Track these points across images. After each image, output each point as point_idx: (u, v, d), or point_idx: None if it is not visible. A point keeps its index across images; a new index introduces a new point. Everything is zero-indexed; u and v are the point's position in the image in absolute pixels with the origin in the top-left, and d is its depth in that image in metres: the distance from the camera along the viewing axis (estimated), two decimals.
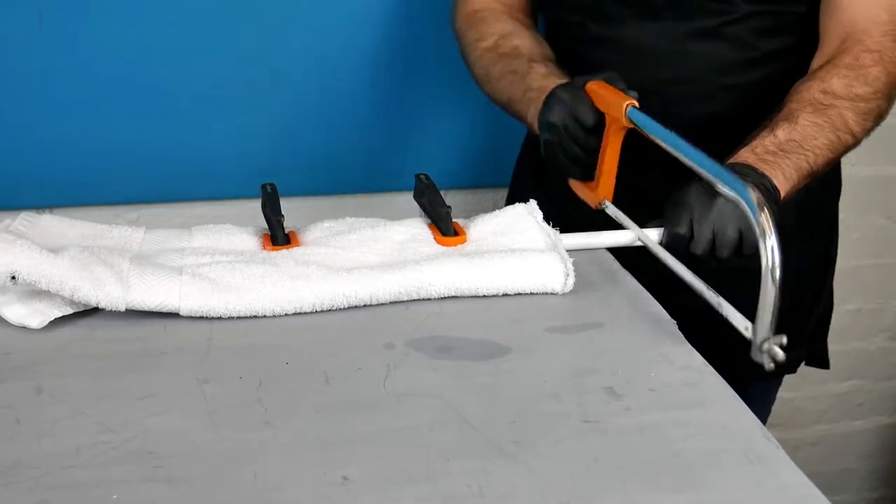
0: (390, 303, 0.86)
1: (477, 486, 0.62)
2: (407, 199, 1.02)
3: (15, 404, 0.70)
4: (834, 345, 1.85)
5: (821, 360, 1.30)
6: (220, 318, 0.82)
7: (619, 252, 0.97)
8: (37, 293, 0.81)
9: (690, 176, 0.88)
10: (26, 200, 1.22)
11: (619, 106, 0.92)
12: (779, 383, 1.32)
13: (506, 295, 0.88)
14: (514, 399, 0.73)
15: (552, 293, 0.88)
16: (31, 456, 0.64)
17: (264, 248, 0.91)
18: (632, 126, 0.91)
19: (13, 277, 0.79)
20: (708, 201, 0.87)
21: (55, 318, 0.80)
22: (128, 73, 1.30)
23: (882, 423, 2.04)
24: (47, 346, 0.78)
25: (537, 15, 1.21)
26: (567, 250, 0.91)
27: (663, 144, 0.87)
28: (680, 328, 0.84)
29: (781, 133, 0.96)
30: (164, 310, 0.81)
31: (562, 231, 0.95)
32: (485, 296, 0.87)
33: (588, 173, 0.99)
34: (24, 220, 0.89)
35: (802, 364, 1.29)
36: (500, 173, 1.38)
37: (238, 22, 1.31)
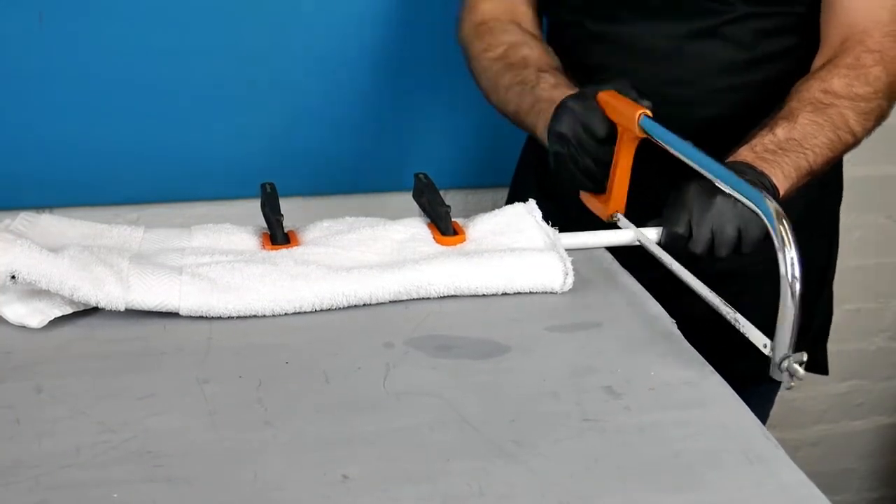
0: (390, 302, 0.86)
1: (477, 486, 0.62)
2: (407, 199, 1.02)
3: (15, 404, 0.70)
4: (834, 345, 1.85)
5: (820, 367, 1.30)
6: (219, 318, 0.82)
7: (619, 252, 0.97)
8: (37, 292, 0.81)
9: (688, 176, 0.88)
10: (26, 200, 1.22)
11: (631, 116, 0.90)
12: (778, 386, 1.32)
13: (505, 294, 0.88)
14: (513, 398, 0.73)
15: (551, 292, 0.88)
16: (31, 456, 0.64)
17: (264, 247, 0.91)
18: (645, 136, 0.90)
19: (13, 277, 0.79)
20: (706, 200, 0.87)
21: (55, 318, 0.80)
22: (128, 73, 1.30)
23: (882, 423, 2.04)
24: (47, 345, 0.78)
25: (542, 24, 1.20)
26: (566, 249, 0.91)
27: (677, 154, 0.86)
28: (679, 330, 0.84)
29: (781, 132, 0.95)
30: (164, 309, 0.81)
31: (564, 231, 0.94)
32: (484, 295, 0.87)
33: (599, 185, 0.97)
34: (24, 220, 0.89)
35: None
36: (500, 173, 1.38)
37: (238, 22, 1.32)
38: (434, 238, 0.93)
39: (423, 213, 0.98)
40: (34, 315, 0.80)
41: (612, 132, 0.94)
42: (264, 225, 0.94)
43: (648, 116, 0.89)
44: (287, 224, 0.93)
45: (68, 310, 0.81)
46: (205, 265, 0.85)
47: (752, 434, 0.69)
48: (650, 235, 0.92)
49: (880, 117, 1.02)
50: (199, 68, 1.32)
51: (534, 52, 1.11)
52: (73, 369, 0.75)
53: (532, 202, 0.98)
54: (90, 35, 1.28)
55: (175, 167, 1.38)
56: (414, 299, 0.86)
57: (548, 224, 0.95)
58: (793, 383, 0.72)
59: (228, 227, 0.94)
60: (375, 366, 0.76)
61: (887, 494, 2.12)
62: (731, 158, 0.94)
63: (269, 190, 0.96)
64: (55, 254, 0.81)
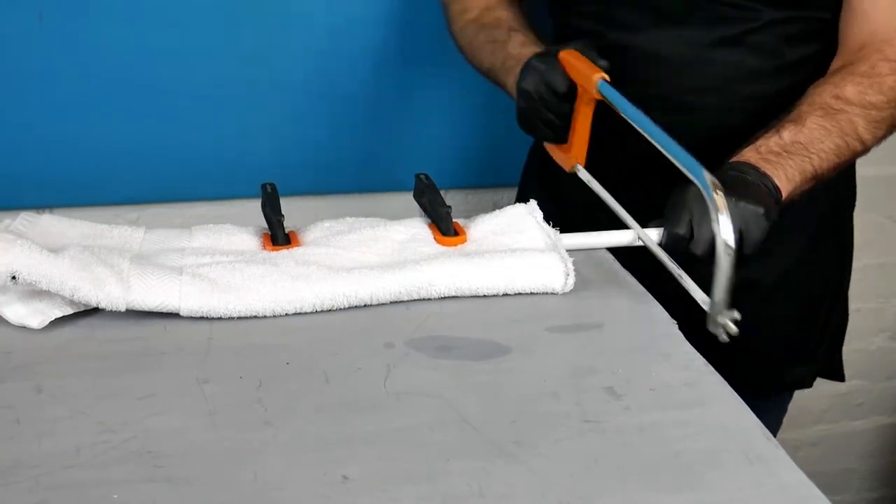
0: (390, 303, 0.86)
1: (477, 486, 0.62)
2: (407, 199, 1.02)
3: (15, 404, 0.70)
4: None
5: (836, 373, 1.30)
6: (220, 318, 0.82)
7: (619, 252, 0.97)
8: (37, 293, 0.81)
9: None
10: (26, 200, 1.22)
11: (589, 76, 0.95)
12: (790, 397, 1.31)
13: (506, 295, 0.88)
14: (514, 399, 0.73)
15: (552, 293, 0.88)
16: (31, 456, 0.64)
17: (264, 248, 0.91)
18: (600, 98, 0.94)
19: (13, 277, 0.79)
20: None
21: (55, 318, 0.80)
22: (128, 73, 1.30)
23: (882, 423, 2.04)
24: (47, 346, 0.78)
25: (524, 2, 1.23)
26: (567, 250, 0.91)
27: (628, 119, 0.90)
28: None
29: (787, 134, 0.95)
30: (165, 310, 0.81)
31: (566, 232, 0.94)
32: (485, 295, 0.87)
33: (562, 137, 1.02)
34: (24, 220, 0.89)
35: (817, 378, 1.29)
36: (500, 173, 1.38)
37: (238, 22, 1.31)
38: (435, 238, 0.93)
39: (423, 214, 0.98)
40: (34, 315, 0.80)
41: (571, 89, 0.99)
42: (265, 225, 0.94)
43: (605, 80, 0.94)
44: (287, 224, 0.93)
45: (69, 310, 0.81)
46: (205, 266, 0.85)
47: (752, 434, 0.69)
48: (651, 236, 0.92)
49: (892, 127, 1.01)
50: (199, 68, 1.32)
51: (506, 12, 1.17)
52: (74, 369, 0.75)
53: (533, 203, 0.98)
54: (90, 35, 1.27)
55: (175, 167, 1.38)
56: (415, 300, 0.86)
57: (549, 225, 0.95)
58: (725, 337, 0.78)
59: (229, 228, 0.94)
60: (376, 366, 0.76)
61: (887, 494, 2.12)
62: (734, 159, 0.94)
63: (269, 190, 0.96)
64: (55, 254, 0.81)
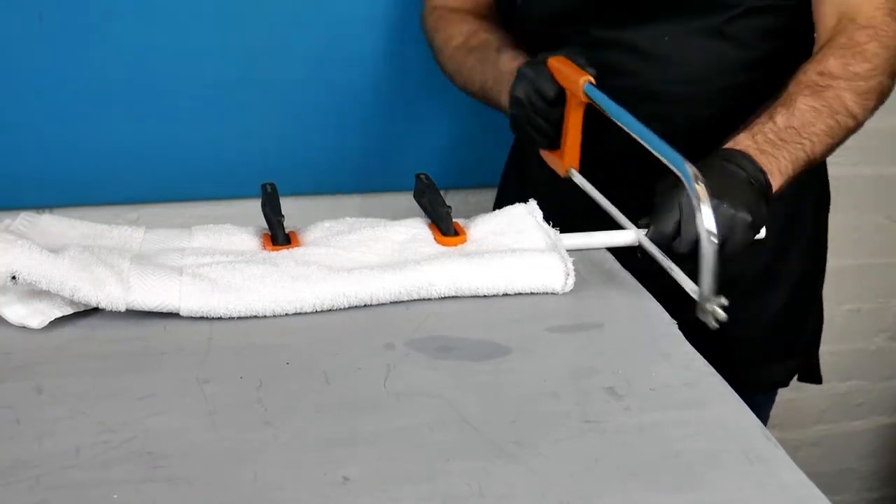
0: (390, 303, 0.86)
1: (477, 486, 0.62)
2: (407, 199, 1.02)
3: (15, 404, 0.70)
4: (834, 345, 1.86)
5: (813, 376, 1.30)
6: (220, 318, 0.82)
7: (619, 253, 0.97)
8: (37, 293, 0.81)
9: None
10: (26, 200, 1.22)
11: (576, 81, 0.97)
12: (772, 397, 1.32)
13: (506, 295, 0.88)
14: (514, 399, 0.73)
15: (552, 293, 0.88)
16: (31, 456, 0.64)
17: (264, 248, 0.91)
18: (588, 101, 0.96)
19: (13, 277, 0.79)
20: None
21: (55, 318, 0.80)
22: (128, 73, 1.30)
23: (882, 423, 2.04)
24: (47, 346, 0.78)
25: (498, 18, 1.25)
26: (567, 250, 0.91)
27: (615, 120, 0.92)
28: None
29: (780, 119, 0.95)
30: (165, 310, 0.81)
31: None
32: (485, 296, 0.87)
33: (554, 143, 1.04)
34: (24, 220, 0.89)
35: (795, 378, 1.29)
36: (501, 173, 1.37)
37: (238, 22, 1.32)
38: (435, 239, 0.93)
39: (423, 214, 0.98)
40: (34, 316, 0.80)
41: (560, 94, 1.01)
42: (265, 225, 0.94)
43: (591, 83, 0.96)
44: (287, 224, 0.93)
45: (69, 310, 0.81)
46: (205, 266, 0.85)
47: (752, 434, 0.69)
48: (644, 233, 0.92)
49: (881, 95, 1.01)
50: (198, 68, 1.32)
51: (492, 34, 1.19)
52: (74, 369, 0.75)
53: (533, 203, 0.98)
54: (90, 35, 1.28)
55: (175, 167, 1.38)
56: (415, 300, 0.86)
57: (548, 224, 0.95)
58: (715, 323, 0.78)
59: (229, 228, 0.94)
60: (376, 366, 0.76)
61: (887, 494, 2.12)
62: (730, 144, 0.94)
63: (269, 190, 0.96)
64: (55, 254, 0.81)
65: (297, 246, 0.91)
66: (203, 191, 1.41)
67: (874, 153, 1.72)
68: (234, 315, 0.82)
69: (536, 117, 1.03)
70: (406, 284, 0.85)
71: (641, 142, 0.87)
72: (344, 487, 0.62)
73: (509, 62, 1.10)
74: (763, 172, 0.91)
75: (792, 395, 1.88)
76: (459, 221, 0.96)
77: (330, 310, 0.84)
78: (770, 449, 0.68)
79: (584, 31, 1.10)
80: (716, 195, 0.86)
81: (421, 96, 1.42)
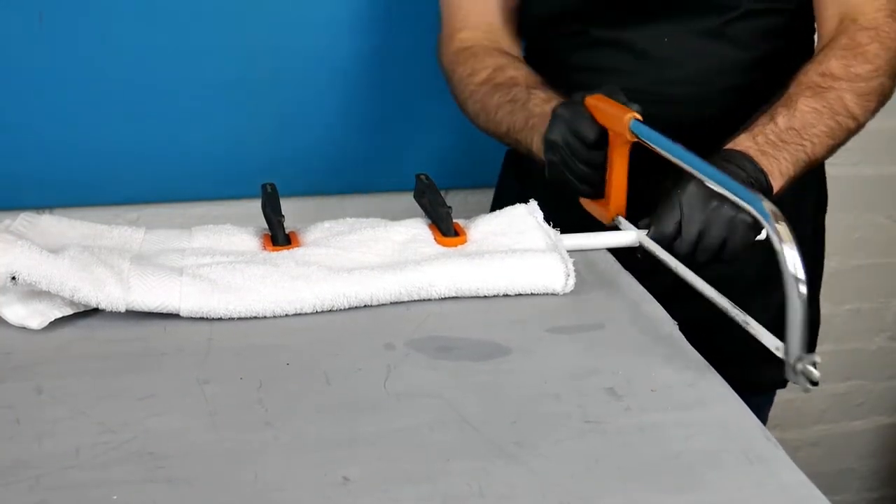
0: (391, 303, 0.86)
1: (477, 486, 0.62)
2: (407, 199, 1.02)
3: (15, 404, 0.70)
4: (834, 345, 1.86)
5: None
6: (220, 319, 0.82)
7: (619, 253, 0.97)
8: (37, 293, 0.81)
9: (679, 175, 0.88)
10: (26, 200, 1.22)
11: (621, 119, 0.90)
12: (771, 398, 1.32)
13: (506, 295, 0.88)
14: (514, 399, 0.73)
15: (553, 293, 0.88)
16: (31, 456, 0.64)
17: (264, 248, 0.91)
18: (636, 140, 0.89)
19: (13, 278, 0.79)
20: (700, 203, 0.87)
21: (55, 319, 0.80)
22: (128, 73, 1.30)
23: (882, 423, 2.04)
24: (47, 346, 0.78)
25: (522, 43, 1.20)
26: (568, 251, 0.91)
27: (670, 156, 0.85)
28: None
29: (782, 120, 0.95)
30: (165, 310, 0.81)
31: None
32: (485, 296, 0.87)
33: (596, 190, 0.97)
34: (24, 220, 0.89)
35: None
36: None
37: (238, 22, 1.32)
38: (435, 239, 0.93)
39: (424, 214, 0.98)
40: (34, 316, 0.80)
41: (601, 136, 0.93)
42: (265, 225, 0.94)
43: (638, 120, 0.89)
44: (287, 224, 0.93)
45: (68, 311, 0.81)
46: (205, 266, 0.85)
47: (752, 434, 0.69)
48: (643, 233, 0.92)
49: (882, 96, 1.01)
50: (199, 68, 1.33)
51: (520, 72, 1.10)
52: (74, 370, 0.75)
53: (533, 203, 0.98)
54: (90, 35, 1.28)
55: (175, 167, 1.38)
56: (415, 300, 0.86)
57: (549, 225, 0.95)
58: (809, 385, 0.70)
59: (229, 228, 0.94)
60: (376, 367, 0.76)
61: (887, 494, 2.12)
62: (730, 145, 0.94)
63: (269, 190, 0.96)
64: (55, 255, 0.81)
65: (298, 246, 0.91)
66: (203, 191, 1.41)
67: (874, 153, 1.72)
68: (235, 315, 0.82)
69: (576, 162, 0.95)
70: (406, 285, 0.85)
71: (702, 177, 0.82)
72: (344, 488, 0.62)
73: (542, 104, 1.03)
74: (764, 173, 0.91)
75: (792, 396, 1.87)
76: (459, 222, 0.96)
77: (330, 310, 0.84)
78: (770, 449, 0.67)
79: (583, 31, 1.10)
80: (715, 196, 0.86)
81: (421, 96, 1.42)
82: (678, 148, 0.85)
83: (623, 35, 1.08)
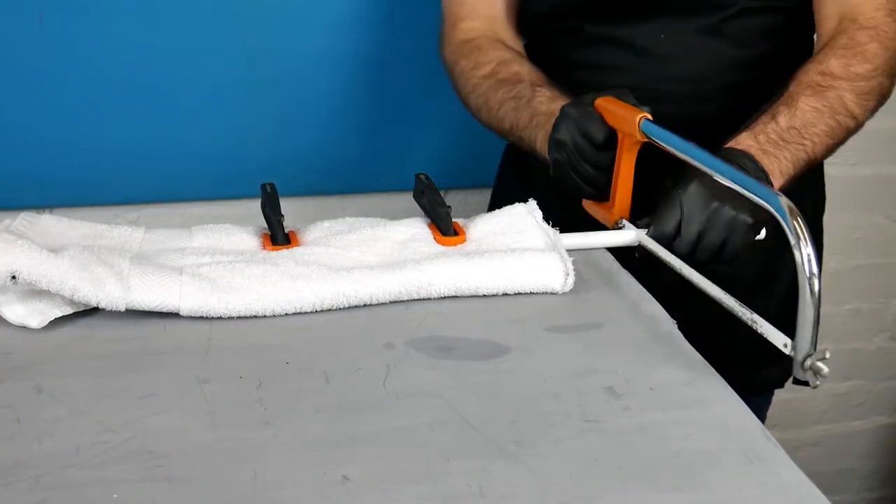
0: (390, 302, 0.86)
1: (477, 486, 0.62)
2: (407, 199, 1.02)
3: (15, 404, 0.70)
4: (834, 345, 1.85)
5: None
6: (219, 318, 0.82)
7: (619, 253, 0.97)
8: (37, 293, 0.81)
9: (677, 174, 0.89)
10: (26, 200, 1.22)
11: (631, 120, 0.89)
12: (769, 398, 1.32)
13: (506, 294, 0.88)
14: (513, 399, 0.73)
15: (552, 293, 0.88)
16: (31, 456, 0.64)
17: (264, 247, 0.91)
18: (646, 140, 0.89)
19: (13, 277, 0.79)
20: (701, 203, 0.88)
21: (55, 318, 0.80)
22: (127, 73, 1.30)
23: (882, 423, 2.04)
24: (47, 345, 0.78)
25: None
26: (567, 250, 0.91)
27: (682, 155, 0.85)
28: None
29: (783, 119, 0.95)
30: (164, 310, 0.81)
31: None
32: (485, 295, 0.87)
33: (601, 192, 0.97)
34: (24, 220, 0.89)
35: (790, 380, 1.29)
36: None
37: (238, 22, 1.32)
38: (435, 238, 0.93)
39: (423, 214, 0.98)
40: (34, 315, 0.80)
41: (610, 138, 0.93)
42: (265, 225, 0.94)
43: (649, 120, 0.89)
44: (287, 224, 0.93)
45: (68, 310, 0.81)
46: (205, 265, 0.85)
47: (752, 434, 0.69)
48: (644, 233, 0.92)
49: (881, 96, 1.01)
50: (199, 68, 1.33)
51: (524, 67, 1.10)
52: (73, 369, 0.75)
53: (532, 203, 0.98)
54: (90, 35, 1.28)
55: (175, 167, 1.38)
56: (414, 300, 0.86)
57: (548, 224, 0.95)
58: (818, 382, 0.70)
59: (229, 228, 0.94)
60: (376, 366, 0.76)
61: (887, 494, 2.12)
62: (731, 144, 0.94)
63: (269, 190, 0.96)
64: (55, 254, 0.81)
65: (297, 246, 0.91)
66: (203, 191, 1.41)
67: (873, 153, 1.72)
68: (234, 315, 0.82)
69: (583, 164, 0.94)
70: (406, 284, 0.85)
71: (715, 175, 0.81)
72: (344, 487, 0.62)
73: (547, 102, 1.03)
74: (765, 172, 0.91)
75: (791, 396, 1.88)
76: (459, 221, 0.96)
77: (330, 309, 0.84)
78: (770, 449, 0.68)
79: (582, 27, 1.10)
80: (716, 196, 0.87)
81: (421, 96, 1.42)
82: (691, 146, 0.84)
83: (621, 32, 1.08)
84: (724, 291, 0.82)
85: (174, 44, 1.30)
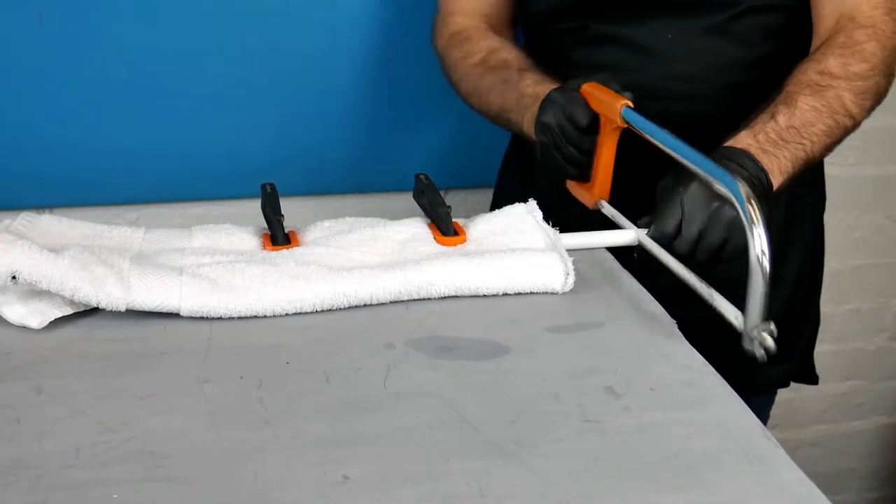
0: (390, 302, 0.86)
1: (477, 486, 0.62)
2: (407, 199, 1.02)
3: (15, 404, 0.70)
4: (834, 345, 1.86)
5: (809, 376, 1.30)
6: (220, 318, 0.82)
7: (619, 252, 0.97)
8: (37, 293, 0.81)
9: (679, 173, 0.89)
10: (26, 200, 1.22)
11: (613, 106, 0.93)
12: (772, 398, 1.32)
13: (506, 294, 0.88)
14: (514, 399, 0.73)
15: (552, 293, 0.88)
16: (31, 456, 0.64)
17: (264, 247, 0.91)
18: (626, 126, 0.92)
19: (13, 277, 0.79)
20: (702, 203, 0.88)
21: (55, 318, 0.80)
22: (127, 73, 1.30)
23: (882, 423, 2.04)
24: (47, 346, 0.78)
25: (515, 31, 1.22)
26: (567, 250, 0.91)
27: (658, 144, 0.88)
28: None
29: (782, 119, 0.96)
30: (165, 310, 0.81)
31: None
32: (485, 295, 0.87)
33: (584, 174, 1.00)
34: (24, 220, 0.89)
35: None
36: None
37: (238, 22, 1.32)
38: (435, 238, 0.93)
39: (423, 214, 0.98)
40: (34, 315, 0.80)
41: (593, 122, 0.96)
42: (265, 225, 0.94)
43: (630, 107, 0.92)
44: (287, 224, 0.93)
45: (69, 310, 0.81)
46: (205, 265, 0.85)
47: (752, 434, 0.69)
48: (645, 233, 0.92)
49: (878, 95, 1.01)
50: (198, 68, 1.33)
51: (511, 54, 1.13)
52: (74, 369, 0.75)
53: (532, 202, 0.98)
54: (90, 35, 1.28)
55: (175, 167, 1.38)
56: (414, 300, 0.86)
57: (548, 224, 0.95)
58: (762, 353, 0.76)
59: (229, 228, 0.94)
60: (376, 366, 0.76)
61: (887, 494, 2.12)
62: (731, 142, 0.94)
63: (269, 190, 0.96)
64: (56, 254, 0.81)
65: (297, 246, 0.91)
66: (203, 191, 1.41)
67: (873, 153, 1.72)
68: (234, 315, 0.82)
69: (567, 146, 0.97)
70: (406, 284, 0.85)
71: (687, 164, 0.84)
72: (344, 487, 0.62)
73: (533, 85, 1.06)
74: (764, 171, 0.91)
75: (792, 396, 1.88)
76: (459, 221, 0.96)
77: (330, 309, 0.84)
78: (770, 449, 0.68)
79: (583, 26, 1.10)
80: (717, 196, 0.86)
81: (421, 96, 1.42)
82: (666, 134, 0.87)
83: (625, 31, 1.08)
84: (686, 268, 0.86)
85: (174, 44, 1.30)
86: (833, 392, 1.96)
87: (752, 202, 0.76)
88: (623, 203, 0.97)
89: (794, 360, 1.27)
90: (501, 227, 0.95)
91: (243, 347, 0.79)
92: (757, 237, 0.75)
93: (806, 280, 1.24)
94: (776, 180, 0.93)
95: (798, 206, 1.18)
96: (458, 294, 0.87)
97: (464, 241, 0.93)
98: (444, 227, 0.94)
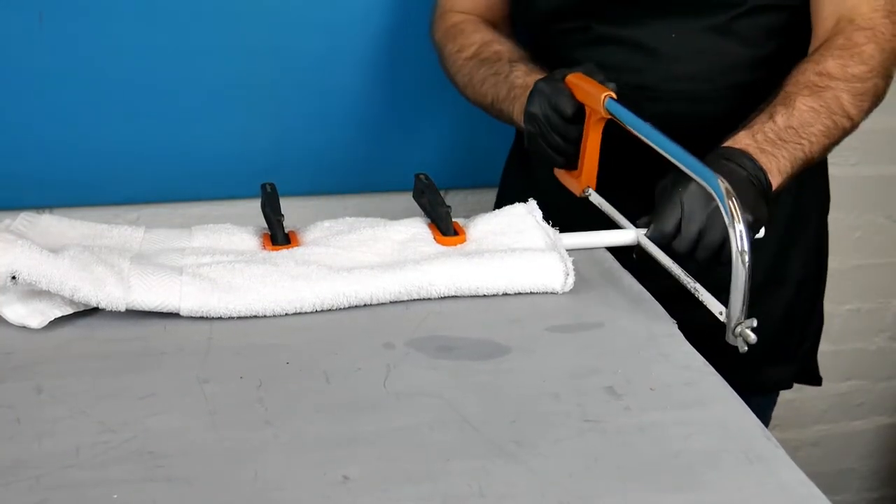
0: (390, 302, 0.86)
1: (477, 486, 0.62)
2: (407, 199, 1.02)
3: (15, 404, 0.70)
4: (834, 345, 1.85)
5: (812, 377, 1.30)
6: (220, 318, 0.82)
7: (619, 252, 0.97)
8: (37, 293, 0.81)
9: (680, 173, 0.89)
10: (26, 200, 1.22)
11: (597, 97, 0.95)
12: (774, 399, 1.32)
13: (506, 294, 0.88)
14: (514, 398, 0.73)
15: (552, 292, 0.88)
16: (31, 456, 0.64)
17: (264, 247, 0.91)
18: (610, 117, 0.94)
19: (13, 277, 0.79)
20: (701, 203, 0.88)
21: (55, 318, 0.80)
22: (128, 73, 1.30)
23: (882, 423, 2.04)
24: (47, 346, 0.78)
25: (513, 26, 1.24)
26: (567, 250, 0.91)
27: (639, 135, 0.90)
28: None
29: (780, 119, 0.96)
30: (165, 310, 0.81)
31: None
32: (485, 295, 0.87)
33: (571, 162, 1.02)
34: (24, 220, 0.89)
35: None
36: (501, 173, 1.37)
37: (238, 22, 1.31)
38: (435, 238, 0.93)
39: (423, 214, 0.98)
40: (34, 315, 0.80)
41: (579, 111, 0.98)
42: (265, 225, 0.94)
43: (613, 98, 0.93)
44: (287, 224, 0.93)
45: (68, 310, 0.81)
46: (205, 265, 0.85)
47: (752, 434, 0.69)
48: (644, 232, 0.92)
49: (876, 97, 1.02)
50: (198, 68, 1.32)
51: (504, 46, 1.16)
52: (74, 369, 0.75)
53: (532, 202, 0.98)
54: (90, 35, 1.27)
55: (175, 167, 1.38)
56: (414, 300, 0.86)
57: (548, 224, 0.95)
58: (745, 347, 0.78)
59: (229, 228, 0.94)
60: (376, 366, 0.76)
61: (887, 494, 2.12)
62: (729, 143, 0.94)
63: (269, 190, 0.96)
64: (56, 254, 0.81)
65: (297, 246, 0.91)
66: (203, 191, 1.41)
67: (874, 153, 1.72)
68: (234, 315, 0.82)
69: (553, 135, 1.00)
70: (406, 284, 0.85)
71: (668, 156, 0.86)
72: (344, 487, 0.62)
73: (523, 76, 1.08)
74: (763, 171, 0.92)
75: (792, 396, 1.87)
76: (459, 221, 0.96)
77: (330, 309, 0.84)
78: (770, 449, 0.68)
79: (586, 26, 1.10)
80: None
81: (421, 96, 1.42)
82: (647, 126, 0.89)
83: (628, 32, 1.08)
84: (673, 261, 0.88)
85: (174, 44, 1.30)
86: (833, 392, 1.96)
87: (733, 199, 0.77)
88: (614, 195, 0.98)
89: (797, 361, 1.26)
90: (501, 227, 0.95)
91: (243, 347, 0.79)
92: (738, 234, 0.76)
93: (809, 281, 1.24)
94: (775, 180, 0.93)
95: (802, 208, 1.18)
96: (458, 294, 0.87)
97: (464, 241, 0.93)
98: (444, 227, 0.94)
